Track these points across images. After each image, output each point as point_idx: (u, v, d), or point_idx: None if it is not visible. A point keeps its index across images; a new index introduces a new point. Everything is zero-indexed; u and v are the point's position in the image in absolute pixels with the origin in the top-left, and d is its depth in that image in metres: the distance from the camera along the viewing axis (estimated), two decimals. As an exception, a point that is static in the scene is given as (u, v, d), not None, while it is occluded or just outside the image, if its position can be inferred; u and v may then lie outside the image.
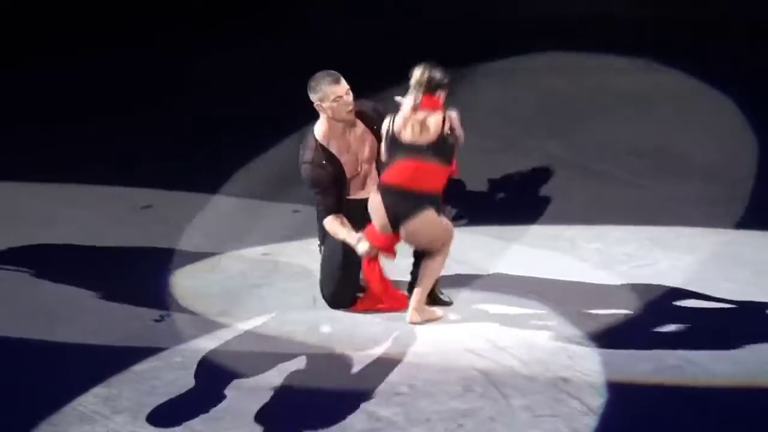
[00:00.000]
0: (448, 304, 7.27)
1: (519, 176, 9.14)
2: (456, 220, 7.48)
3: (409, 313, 6.99)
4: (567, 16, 11.76)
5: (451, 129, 6.97)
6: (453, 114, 6.98)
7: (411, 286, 7.19)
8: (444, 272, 7.46)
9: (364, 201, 7.12)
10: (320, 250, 7.31)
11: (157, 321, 7.14)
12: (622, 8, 11.53)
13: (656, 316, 7.02)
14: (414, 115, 6.92)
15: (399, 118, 6.98)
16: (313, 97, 7.08)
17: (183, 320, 7.14)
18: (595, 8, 11.54)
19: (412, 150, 6.92)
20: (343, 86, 7.06)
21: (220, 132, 9.95)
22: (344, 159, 7.07)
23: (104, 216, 8.70)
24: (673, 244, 8.00)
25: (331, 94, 7.03)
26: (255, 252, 8.04)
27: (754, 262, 7.67)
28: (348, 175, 7.12)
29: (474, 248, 7.96)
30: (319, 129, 7.09)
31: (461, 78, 9.28)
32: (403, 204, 6.95)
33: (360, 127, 7.23)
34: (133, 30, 12.11)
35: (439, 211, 6.99)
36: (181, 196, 8.92)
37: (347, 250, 7.05)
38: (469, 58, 10.90)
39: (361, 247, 7.00)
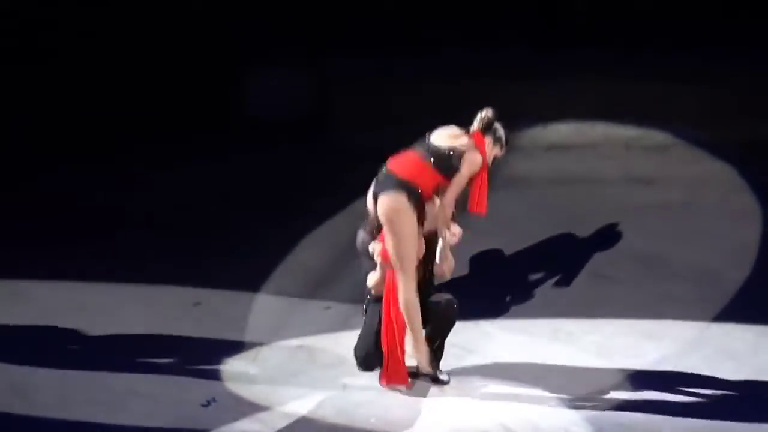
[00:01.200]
0: (445, 383, 7.47)
1: (525, 276, 9.09)
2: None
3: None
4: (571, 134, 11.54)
5: (460, 156, 7.17)
6: (476, 156, 7.21)
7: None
8: (457, 362, 7.61)
9: None
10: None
11: (204, 405, 7.33)
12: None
13: (647, 401, 7.27)
14: (460, 137, 7.24)
15: (449, 129, 7.28)
16: None
17: (228, 404, 7.33)
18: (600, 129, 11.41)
19: (426, 147, 7.20)
20: None
21: (258, 237, 9.81)
22: None
23: (161, 311, 8.69)
24: (663, 336, 8.14)
25: None
26: (291, 344, 8.15)
27: (735, 352, 7.87)
28: None
29: (484, 339, 8.13)
30: None
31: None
32: (386, 183, 7.17)
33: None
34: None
35: (411, 199, 7.07)
36: (226, 294, 8.90)
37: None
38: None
39: (371, 247, 7.37)
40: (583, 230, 9.75)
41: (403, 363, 7.40)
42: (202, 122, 11.55)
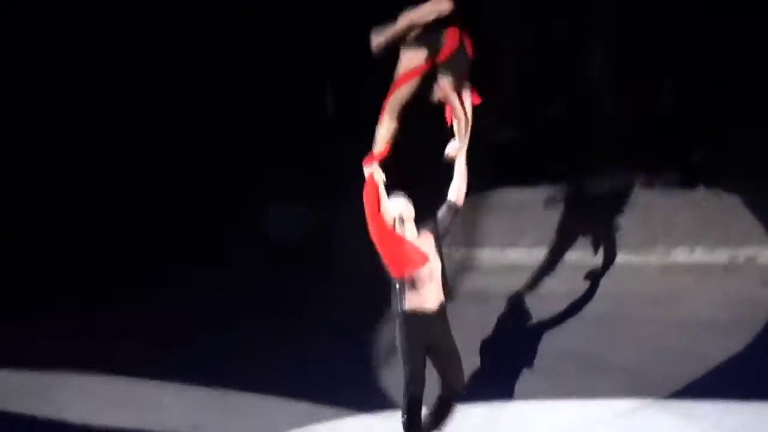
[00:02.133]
0: None
1: (485, 370, 9.90)
2: None
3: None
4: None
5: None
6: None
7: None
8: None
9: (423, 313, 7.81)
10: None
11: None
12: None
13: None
14: None
15: None
16: None
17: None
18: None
19: None
20: None
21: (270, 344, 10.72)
22: None
23: (196, 401, 9.77)
24: (600, 421, 9.17)
25: None
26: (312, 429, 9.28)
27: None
28: None
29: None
30: None
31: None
32: None
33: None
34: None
35: None
36: (247, 393, 9.95)
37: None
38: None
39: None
40: (533, 334, 10.63)
41: (403, 249, 7.54)
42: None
